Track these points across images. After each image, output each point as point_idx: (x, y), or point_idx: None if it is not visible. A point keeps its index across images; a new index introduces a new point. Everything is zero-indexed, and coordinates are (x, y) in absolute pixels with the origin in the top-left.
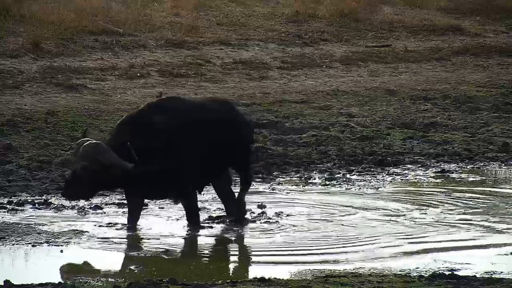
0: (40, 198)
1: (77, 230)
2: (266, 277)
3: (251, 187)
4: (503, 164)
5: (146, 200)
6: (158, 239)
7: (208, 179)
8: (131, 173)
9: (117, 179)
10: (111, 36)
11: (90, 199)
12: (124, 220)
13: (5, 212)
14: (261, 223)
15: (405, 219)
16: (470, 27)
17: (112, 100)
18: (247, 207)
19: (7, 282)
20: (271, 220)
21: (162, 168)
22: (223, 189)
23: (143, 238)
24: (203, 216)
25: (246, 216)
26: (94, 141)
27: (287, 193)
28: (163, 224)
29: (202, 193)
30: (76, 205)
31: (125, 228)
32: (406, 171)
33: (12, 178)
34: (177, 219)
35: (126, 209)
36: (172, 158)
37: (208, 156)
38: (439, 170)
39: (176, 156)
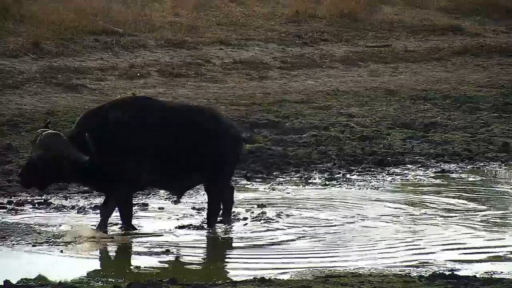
0: (40, 198)
1: (77, 230)
2: (266, 277)
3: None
4: (503, 164)
5: (146, 201)
6: (158, 239)
7: (174, 183)
8: (85, 165)
9: (74, 171)
10: (111, 36)
11: (46, 189)
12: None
13: (5, 212)
14: (261, 223)
15: (405, 219)
16: (470, 27)
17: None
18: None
19: (7, 282)
20: (271, 220)
21: (118, 164)
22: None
23: (144, 238)
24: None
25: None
26: (52, 131)
27: (287, 192)
28: (164, 224)
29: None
30: (76, 205)
31: (122, 228)
32: (406, 171)
33: (12, 178)
34: (178, 219)
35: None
36: (121, 156)
37: (164, 159)
38: (439, 170)
39: (124, 154)
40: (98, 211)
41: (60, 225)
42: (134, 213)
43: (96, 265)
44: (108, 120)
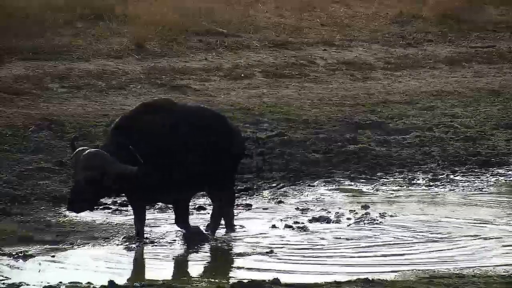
0: None
1: (182, 231)
2: (370, 278)
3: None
4: None
5: (250, 202)
6: (262, 239)
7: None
8: (135, 177)
9: (120, 185)
10: (215, 37)
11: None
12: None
13: (109, 212)
14: (364, 224)
15: (510, 220)
16: None
17: (216, 100)
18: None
19: (111, 282)
20: (374, 221)
21: (165, 172)
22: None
23: (247, 238)
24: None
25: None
26: (94, 150)
27: (391, 193)
28: (267, 224)
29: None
30: None
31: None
32: (510, 172)
33: None
34: (281, 220)
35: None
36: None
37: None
38: None
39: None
40: (203, 211)
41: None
42: (238, 213)
43: (199, 265)
44: (148, 127)
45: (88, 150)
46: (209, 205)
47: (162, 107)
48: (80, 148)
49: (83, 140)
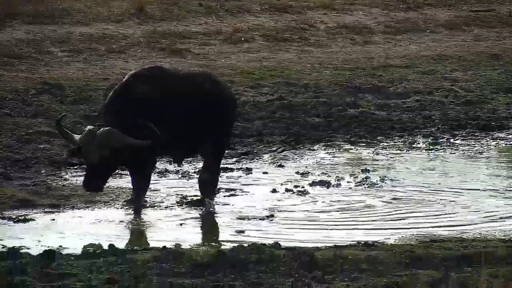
0: None
1: (181, 194)
2: (370, 242)
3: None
4: None
5: (250, 166)
6: (262, 203)
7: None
8: (148, 149)
9: (129, 158)
10: (215, 0)
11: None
12: (232, 185)
13: None
14: (364, 187)
15: (511, 184)
16: None
17: (216, 64)
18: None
19: (111, 246)
20: (375, 185)
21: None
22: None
23: (247, 202)
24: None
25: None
26: (106, 128)
27: (391, 157)
28: (267, 188)
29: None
30: (180, 169)
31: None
32: (510, 136)
33: None
34: (281, 184)
35: (232, 174)
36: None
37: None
38: None
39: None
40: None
41: None
42: (238, 177)
43: (199, 229)
44: (145, 95)
45: (101, 130)
46: None
47: (155, 75)
48: (90, 127)
49: (84, 104)
